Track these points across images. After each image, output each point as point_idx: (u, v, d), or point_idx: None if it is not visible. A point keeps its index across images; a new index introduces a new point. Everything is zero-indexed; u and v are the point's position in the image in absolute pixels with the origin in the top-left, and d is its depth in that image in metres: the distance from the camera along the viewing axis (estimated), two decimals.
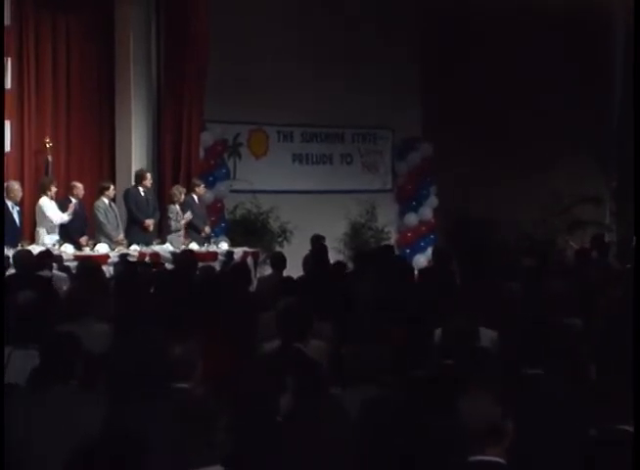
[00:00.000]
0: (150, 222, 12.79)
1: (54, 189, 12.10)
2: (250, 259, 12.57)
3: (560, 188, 15.13)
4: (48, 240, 11.78)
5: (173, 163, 13.84)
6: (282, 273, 10.11)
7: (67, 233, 12.02)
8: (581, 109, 15.44)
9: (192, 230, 13.22)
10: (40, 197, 12.08)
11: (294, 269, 10.90)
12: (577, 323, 6.61)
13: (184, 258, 10.64)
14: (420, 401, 4.61)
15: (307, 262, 11.30)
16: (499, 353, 5.19)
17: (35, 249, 10.79)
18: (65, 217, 11.99)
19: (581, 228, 14.97)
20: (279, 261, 10.50)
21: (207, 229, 13.30)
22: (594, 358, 5.26)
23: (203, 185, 13.52)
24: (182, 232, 13.07)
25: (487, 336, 6.17)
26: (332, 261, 11.00)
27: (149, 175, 13.06)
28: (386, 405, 4.29)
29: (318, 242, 12.27)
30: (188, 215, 13.01)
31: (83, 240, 12.04)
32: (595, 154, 15.52)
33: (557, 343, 5.29)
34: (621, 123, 15.98)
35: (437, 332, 5.98)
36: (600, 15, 14.91)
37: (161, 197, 13.39)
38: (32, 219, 12.22)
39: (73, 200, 12.18)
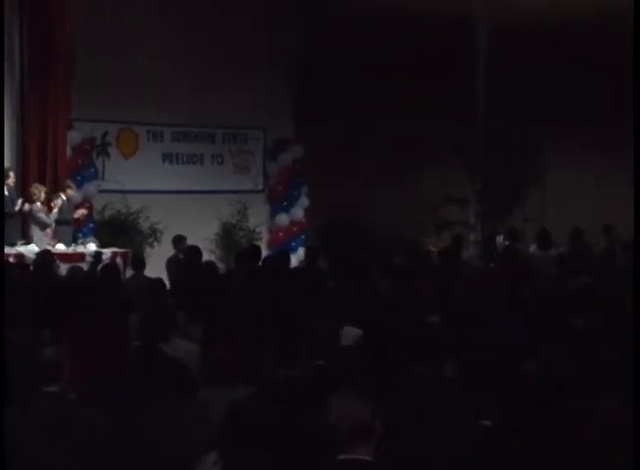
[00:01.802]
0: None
1: None
2: (119, 260, 12.43)
3: (429, 189, 15.43)
4: None
5: (39, 162, 13.56)
6: (142, 274, 10.07)
7: None
8: (448, 110, 15.76)
9: (63, 225, 13.00)
10: None
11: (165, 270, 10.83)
12: (437, 321, 6.78)
13: (41, 258, 10.43)
14: (289, 401, 4.66)
15: (171, 264, 11.23)
16: (363, 352, 5.29)
17: None
18: None
19: (448, 229, 15.31)
20: (138, 262, 10.45)
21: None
22: (455, 356, 5.41)
23: (74, 187, 13.35)
24: (50, 232, 12.83)
25: (354, 334, 6.28)
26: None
27: (11, 173, 12.81)
28: (254, 405, 4.32)
29: (180, 242, 12.22)
30: (58, 202, 12.82)
31: None
32: (461, 155, 15.87)
33: (422, 341, 5.41)
34: (485, 125, 16.39)
35: (306, 332, 6.04)
36: (462, 13, 15.24)
37: (27, 197, 13.09)
38: None
39: None
